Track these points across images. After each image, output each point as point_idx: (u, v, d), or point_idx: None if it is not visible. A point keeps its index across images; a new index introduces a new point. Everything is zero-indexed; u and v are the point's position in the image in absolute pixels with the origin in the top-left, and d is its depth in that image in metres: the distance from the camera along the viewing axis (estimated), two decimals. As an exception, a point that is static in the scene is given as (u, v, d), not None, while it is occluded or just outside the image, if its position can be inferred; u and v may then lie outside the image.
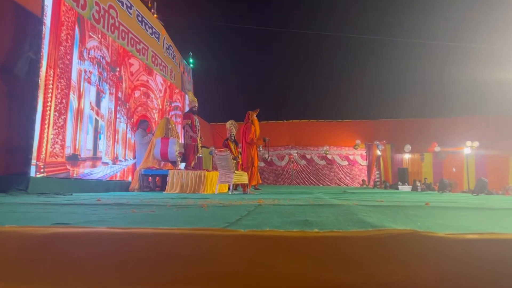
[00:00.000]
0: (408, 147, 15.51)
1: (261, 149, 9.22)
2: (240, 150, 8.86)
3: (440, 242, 1.11)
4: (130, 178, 7.55)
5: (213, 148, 15.01)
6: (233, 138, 8.73)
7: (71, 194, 4.82)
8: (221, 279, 1.06)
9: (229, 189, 6.71)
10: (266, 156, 9.91)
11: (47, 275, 1.06)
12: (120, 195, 4.94)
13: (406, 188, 13.36)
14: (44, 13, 5.15)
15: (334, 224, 1.35)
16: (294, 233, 1.15)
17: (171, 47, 10.81)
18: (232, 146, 8.57)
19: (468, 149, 14.62)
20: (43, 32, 5.11)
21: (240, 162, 8.58)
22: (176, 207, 2.25)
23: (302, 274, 1.06)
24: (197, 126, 7.67)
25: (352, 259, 1.09)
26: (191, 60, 12.97)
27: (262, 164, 17.87)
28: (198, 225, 1.43)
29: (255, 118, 8.87)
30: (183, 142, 7.93)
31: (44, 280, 1.06)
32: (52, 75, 5.28)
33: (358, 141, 16.35)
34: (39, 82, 5.03)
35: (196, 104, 7.81)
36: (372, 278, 1.05)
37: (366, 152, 16.68)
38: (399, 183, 14.06)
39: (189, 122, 7.51)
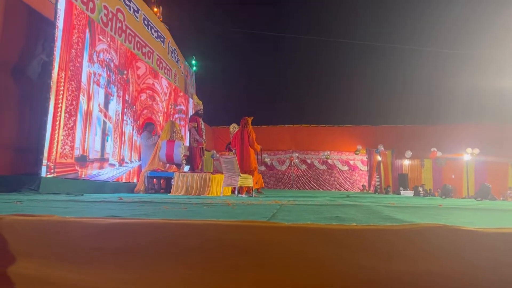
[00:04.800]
0: (409, 153, 15.59)
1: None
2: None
3: (472, 235, 1.18)
4: (135, 180, 7.59)
5: (215, 152, 15.06)
6: None
7: (82, 195, 4.87)
8: (266, 267, 1.13)
9: (233, 191, 6.75)
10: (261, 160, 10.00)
11: (107, 260, 1.13)
12: (132, 196, 4.99)
13: (408, 193, 13.41)
14: (57, 17, 5.22)
15: (365, 220, 1.42)
16: (335, 226, 1.21)
17: (175, 51, 10.90)
18: (236, 149, 8.60)
19: (468, 155, 14.70)
20: (56, 35, 5.19)
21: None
22: (203, 205, 2.32)
23: (347, 264, 1.12)
24: (203, 129, 7.74)
25: (391, 250, 1.15)
26: (193, 63, 13.05)
27: (263, 168, 17.93)
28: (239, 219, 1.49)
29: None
30: (188, 144, 7.98)
31: (104, 264, 1.12)
32: (63, 77, 5.35)
33: (359, 147, 16.43)
34: (51, 84, 5.09)
35: (202, 107, 7.89)
36: (412, 268, 1.12)
37: (366, 158, 16.74)
38: (401, 188, 14.12)
39: (196, 125, 7.57)
